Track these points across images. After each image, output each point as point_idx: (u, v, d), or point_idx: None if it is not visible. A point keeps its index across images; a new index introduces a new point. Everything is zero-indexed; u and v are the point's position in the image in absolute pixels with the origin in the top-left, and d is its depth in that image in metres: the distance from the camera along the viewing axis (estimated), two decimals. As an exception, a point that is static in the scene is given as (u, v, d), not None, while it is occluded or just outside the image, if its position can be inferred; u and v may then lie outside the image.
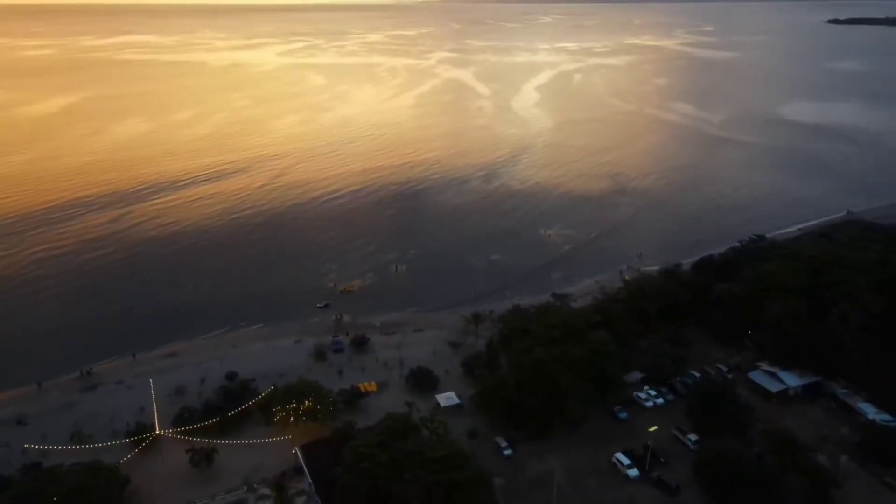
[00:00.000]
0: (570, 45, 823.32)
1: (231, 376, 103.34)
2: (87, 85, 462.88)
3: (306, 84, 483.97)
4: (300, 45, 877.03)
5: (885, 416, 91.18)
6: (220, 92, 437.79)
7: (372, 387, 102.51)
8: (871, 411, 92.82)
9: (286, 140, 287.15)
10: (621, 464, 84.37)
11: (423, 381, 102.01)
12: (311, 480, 79.52)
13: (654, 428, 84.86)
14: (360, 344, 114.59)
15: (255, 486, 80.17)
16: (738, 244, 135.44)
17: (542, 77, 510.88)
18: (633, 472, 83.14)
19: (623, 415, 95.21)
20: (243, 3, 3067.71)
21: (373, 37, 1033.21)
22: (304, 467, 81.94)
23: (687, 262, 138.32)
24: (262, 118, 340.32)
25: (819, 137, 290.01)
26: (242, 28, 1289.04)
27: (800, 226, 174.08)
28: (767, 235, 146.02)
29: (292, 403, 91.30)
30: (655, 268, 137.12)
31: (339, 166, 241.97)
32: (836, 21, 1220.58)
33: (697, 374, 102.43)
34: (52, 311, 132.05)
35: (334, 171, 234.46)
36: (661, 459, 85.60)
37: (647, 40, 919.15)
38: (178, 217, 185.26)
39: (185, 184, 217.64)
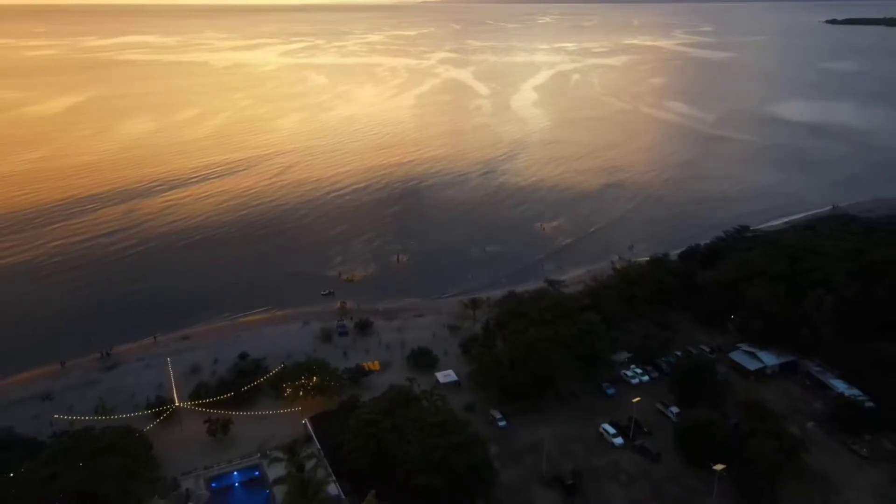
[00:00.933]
0: (569, 46, 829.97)
1: (243, 356, 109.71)
2: (92, 85, 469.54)
3: (308, 84, 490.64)
4: (301, 45, 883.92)
5: (855, 392, 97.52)
6: (223, 92, 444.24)
7: (375, 366, 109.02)
8: (842, 387, 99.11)
9: (290, 139, 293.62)
10: (607, 433, 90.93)
11: (423, 361, 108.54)
12: (319, 447, 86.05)
13: (637, 399, 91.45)
14: (364, 327, 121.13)
15: (268, 452, 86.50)
16: (722, 234, 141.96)
17: (541, 77, 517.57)
18: (618, 440, 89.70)
19: (611, 391, 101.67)
20: (244, 4, 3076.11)
21: (373, 37, 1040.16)
22: (314, 436, 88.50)
23: (675, 253, 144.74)
24: (266, 117, 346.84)
25: (811, 135, 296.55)
26: (243, 28, 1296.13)
27: (786, 219, 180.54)
28: (757, 227, 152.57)
29: (301, 379, 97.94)
30: (645, 258, 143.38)
31: (341, 164, 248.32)
32: (833, 21, 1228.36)
33: (680, 354, 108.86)
34: (71, 299, 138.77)
35: (337, 169, 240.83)
36: (645, 430, 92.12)
37: (645, 40, 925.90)
38: (189, 212, 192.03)
39: (194, 181, 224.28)
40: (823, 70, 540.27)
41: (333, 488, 77.08)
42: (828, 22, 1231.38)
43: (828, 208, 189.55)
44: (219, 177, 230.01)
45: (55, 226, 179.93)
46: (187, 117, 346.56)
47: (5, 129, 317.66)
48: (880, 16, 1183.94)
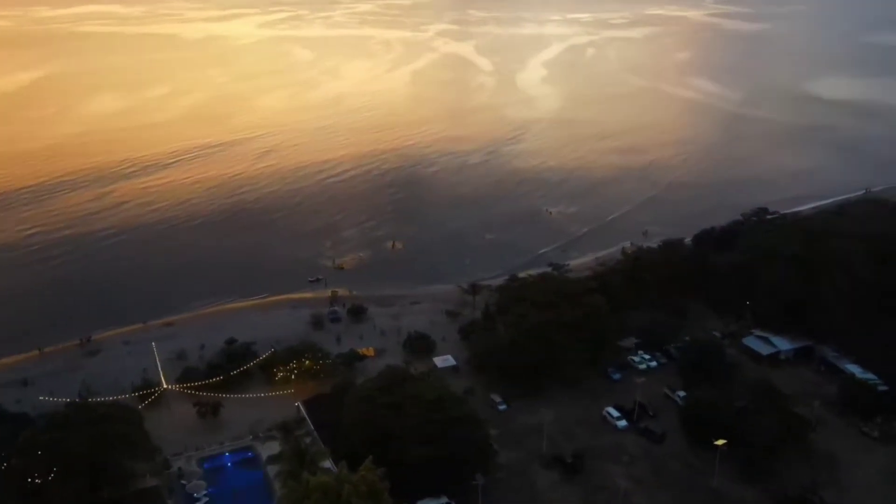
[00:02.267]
0: (584, 16, 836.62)
1: (230, 342, 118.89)
2: (50, 60, 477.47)
3: (291, 59, 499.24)
4: (282, 15, 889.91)
5: (870, 376, 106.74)
6: (196, 67, 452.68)
7: (370, 352, 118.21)
8: (857, 372, 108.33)
9: (273, 119, 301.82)
10: (611, 416, 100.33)
11: (420, 346, 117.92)
12: (313, 428, 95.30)
13: (642, 379, 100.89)
14: (358, 313, 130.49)
15: (260, 434, 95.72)
16: (740, 217, 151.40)
17: (552, 51, 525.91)
18: (622, 423, 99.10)
19: (616, 376, 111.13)
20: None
21: (363, 6, 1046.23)
22: (307, 418, 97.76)
23: (689, 239, 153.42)
24: (246, 96, 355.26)
25: (848, 115, 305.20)
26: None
27: (815, 203, 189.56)
28: (776, 210, 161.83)
29: (293, 363, 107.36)
30: (658, 243, 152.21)
31: (330, 146, 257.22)
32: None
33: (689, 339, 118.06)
34: (45, 287, 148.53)
35: (326, 152, 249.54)
36: (650, 413, 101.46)
37: (671, 10, 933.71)
38: (167, 197, 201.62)
39: (171, 164, 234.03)
40: (866, 44, 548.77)
41: (328, 463, 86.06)
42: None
43: (860, 192, 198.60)
44: (199, 160, 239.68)
45: (23, 213, 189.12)
46: (159, 95, 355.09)
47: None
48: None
